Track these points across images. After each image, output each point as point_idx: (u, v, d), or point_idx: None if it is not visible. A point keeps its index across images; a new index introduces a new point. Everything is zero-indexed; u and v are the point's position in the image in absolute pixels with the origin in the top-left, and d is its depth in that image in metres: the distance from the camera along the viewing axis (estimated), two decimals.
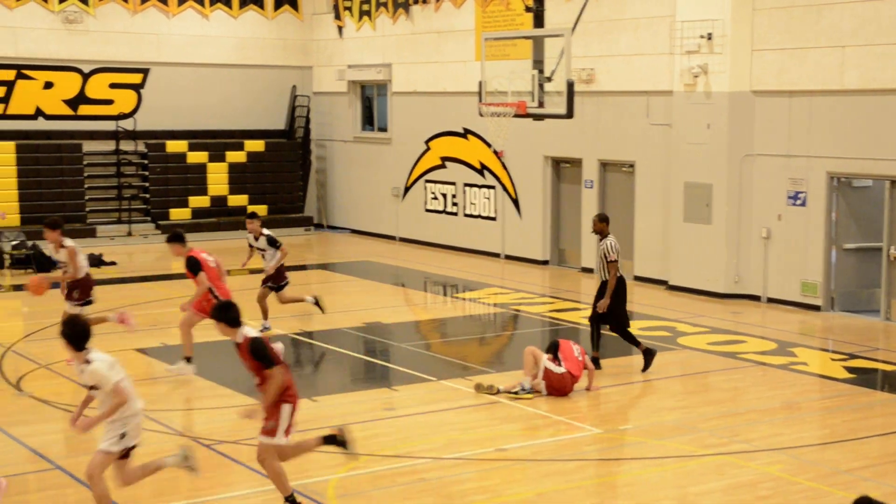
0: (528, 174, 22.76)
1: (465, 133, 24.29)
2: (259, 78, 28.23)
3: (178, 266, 22.89)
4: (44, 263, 21.46)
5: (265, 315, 15.95)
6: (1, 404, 11.91)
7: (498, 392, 12.36)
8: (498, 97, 18.34)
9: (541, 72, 17.54)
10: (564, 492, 9.39)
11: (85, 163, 26.04)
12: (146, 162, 26.77)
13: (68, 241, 13.51)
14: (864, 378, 13.56)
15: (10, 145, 24.94)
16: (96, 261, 22.02)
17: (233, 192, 27.43)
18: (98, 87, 26.27)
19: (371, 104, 27.93)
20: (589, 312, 13.96)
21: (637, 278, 20.26)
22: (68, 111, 26.02)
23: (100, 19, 26.06)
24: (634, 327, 14.33)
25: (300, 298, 16.27)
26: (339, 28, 27.77)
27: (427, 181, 25.57)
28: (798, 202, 17.84)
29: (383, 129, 27.36)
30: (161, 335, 15.50)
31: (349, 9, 27.34)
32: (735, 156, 18.48)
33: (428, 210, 25.59)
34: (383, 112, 27.33)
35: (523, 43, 19.24)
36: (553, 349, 12.51)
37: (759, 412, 11.90)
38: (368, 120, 28.06)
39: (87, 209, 25.91)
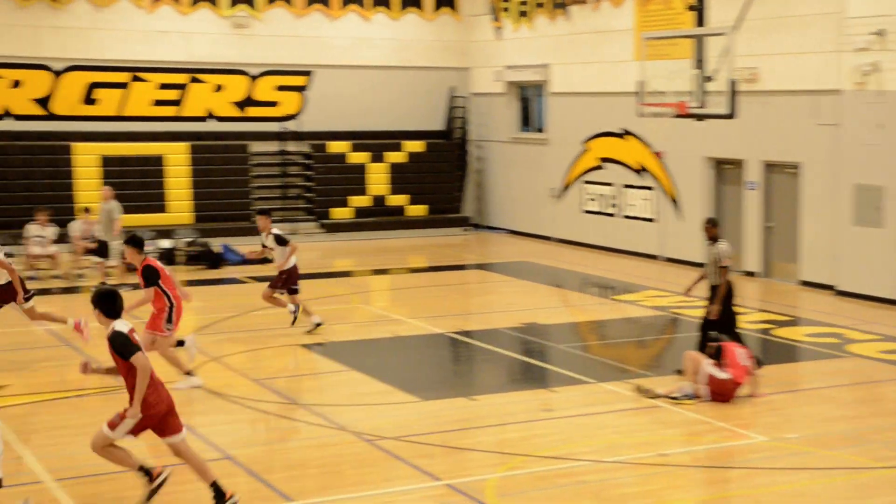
0: (688, 175, 22.39)
1: (624, 133, 24.06)
2: (418, 79, 28.61)
3: (342, 264, 23.59)
4: (214, 260, 22.30)
5: (283, 304, 15.87)
6: (176, 395, 12.38)
7: (658, 396, 12.22)
8: (657, 97, 18.14)
9: (702, 71, 17.27)
10: (728, 500, 9.22)
11: (251, 163, 26.93)
12: (309, 162, 27.50)
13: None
14: None
15: (185, 146, 26.00)
16: (261, 258, 22.71)
17: (393, 192, 27.90)
18: (265, 89, 27.12)
19: (528, 105, 27.96)
20: (742, 317, 13.59)
21: (803, 283, 19.70)
22: (236, 113, 26.94)
23: (266, 23, 26.90)
24: (800, 333, 13.95)
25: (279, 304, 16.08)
26: (497, 29, 27.90)
27: (585, 182, 25.44)
28: None
29: (540, 130, 27.35)
30: (324, 332, 15.87)
31: (507, 10, 27.44)
32: None
33: (585, 211, 25.45)
34: (540, 112, 27.32)
35: (683, 42, 18.97)
36: (717, 354, 12.27)
37: None
38: (526, 120, 28.11)
39: (253, 208, 26.74)
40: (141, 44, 25.75)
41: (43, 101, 25.09)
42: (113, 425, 8.60)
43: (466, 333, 16.04)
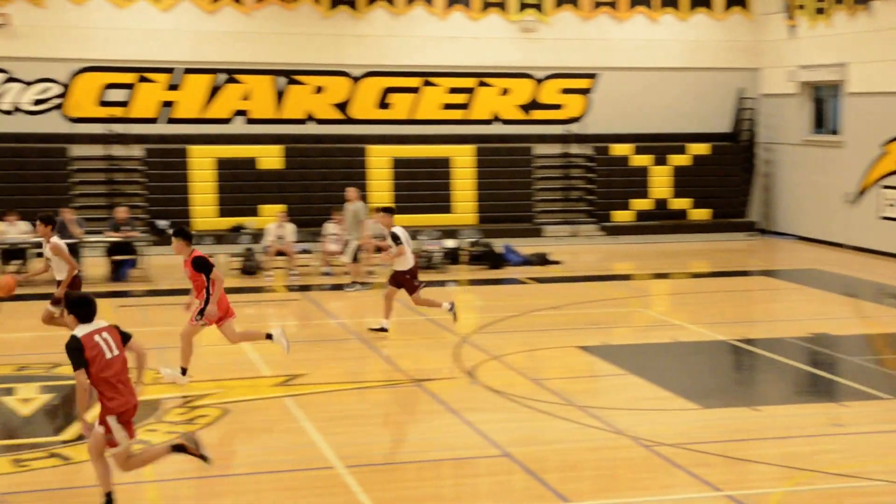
0: None
1: None
2: (705, 81, 27.98)
3: (622, 267, 23.46)
4: (496, 260, 22.76)
5: (438, 304, 15.64)
6: (457, 391, 12.77)
7: None
8: None
9: None
10: None
11: (534, 165, 27.28)
12: (592, 164, 27.52)
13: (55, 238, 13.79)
14: None
15: (471, 149, 26.70)
16: (542, 259, 23.01)
17: (675, 195, 27.46)
18: (550, 92, 27.39)
19: (822, 106, 26.72)
20: None
21: None
22: (521, 116, 27.36)
23: (553, 27, 27.15)
24: None
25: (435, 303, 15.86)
26: (791, 27, 26.83)
27: (883, 186, 24.01)
28: None
29: (835, 132, 26.07)
30: (603, 334, 15.84)
31: (802, 7, 26.32)
32: None
33: (883, 217, 24.03)
34: (835, 114, 26.04)
35: None
36: None
37: None
38: (819, 122, 26.87)
39: (535, 210, 27.12)
40: (433, 49, 26.67)
41: (341, 106, 26.47)
42: (111, 443, 8.48)
43: (749, 341, 15.53)
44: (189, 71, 25.54)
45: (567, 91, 27.46)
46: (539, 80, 27.30)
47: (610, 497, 9.32)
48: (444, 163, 26.56)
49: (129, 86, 25.30)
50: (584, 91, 27.58)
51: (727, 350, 15.20)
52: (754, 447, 10.67)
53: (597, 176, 27.42)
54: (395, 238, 15.44)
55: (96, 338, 8.33)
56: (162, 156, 25.39)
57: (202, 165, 25.46)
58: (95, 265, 21.10)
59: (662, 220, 27.29)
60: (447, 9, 26.66)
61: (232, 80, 25.80)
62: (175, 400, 12.04)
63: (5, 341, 15.52)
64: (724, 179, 27.76)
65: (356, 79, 26.43)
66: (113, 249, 21.01)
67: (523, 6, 26.96)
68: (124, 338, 8.58)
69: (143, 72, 25.32)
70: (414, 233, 22.83)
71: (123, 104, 25.32)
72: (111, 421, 8.37)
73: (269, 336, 13.07)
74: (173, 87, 25.53)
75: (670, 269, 23.18)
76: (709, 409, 12.00)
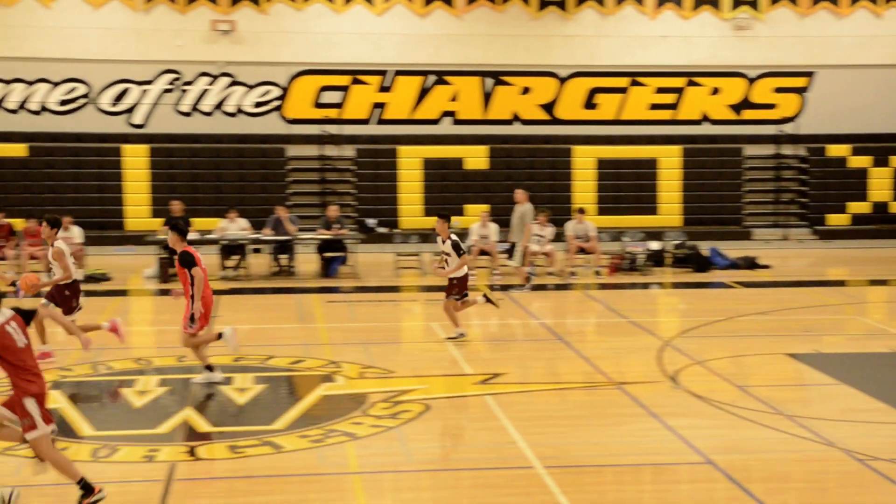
0: None
1: None
2: None
3: (836, 273, 22.51)
4: (702, 263, 22.27)
5: (455, 322, 14.92)
6: (659, 396, 12.58)
7: None
8: None
9: None
10: None
11: (744, 166, 26.55)
12: (805, 166, 26.55)
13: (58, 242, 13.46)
14: None
15: (678, 149, 26.25)
16: (750, 263, 22.36)
17: None
18: (762, 91, 26.60)
19: None
20: None
21: None
22: (732, 116, 26.69)
23: (768, 24, 26.35)
24: None
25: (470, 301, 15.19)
26: None
27: None
28: None
29: None
30: (814, 342, 15.27)
31: None
32: None
33: None
34: None
35: None
36: None
37: None
38: None
39: (744, 212, 26.39)
40: (641, 49, 26.36)
41: (548, 107, 26.52)
42: (33, 427, 8.37)
43: None
44: (400, 73, 26.18)
45: (781, 90, 26.59)
46: (751, 79, 26.55)
47: None
48: (650, 164, 26.22)
49: (343, 88, 26.17)
50: (800, 90, 26.64)
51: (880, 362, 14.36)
52: None
53: (810, 178, 26.45)
54: (458, 248, 14.89)
55: (7, 328, 8.29)
56: (372, 156, 26.14)
57: (410, 165, 26.05)
58: (308, 261, 21.92)
59: (881, 225, 26.06)
60: (658, 8, 26.29)
61: (441, 82, 26.27)
62: (381, 394, 12.37)
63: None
64: None
65: (563, 79, 26.42)
66: (324, 246, 21.76)
67: (737, 3, 26.29)
68: (26, 318, 8.51)
69: (357, 74, 26.13)
70: (618, 234, 22.70)
71: (338, 105, 26.20)
72: (29, 403, 8.29)
73: (219, 336, 12.77)
74: (385, 89, 26.23)
75: (889, 275, 22.08)
76: None
